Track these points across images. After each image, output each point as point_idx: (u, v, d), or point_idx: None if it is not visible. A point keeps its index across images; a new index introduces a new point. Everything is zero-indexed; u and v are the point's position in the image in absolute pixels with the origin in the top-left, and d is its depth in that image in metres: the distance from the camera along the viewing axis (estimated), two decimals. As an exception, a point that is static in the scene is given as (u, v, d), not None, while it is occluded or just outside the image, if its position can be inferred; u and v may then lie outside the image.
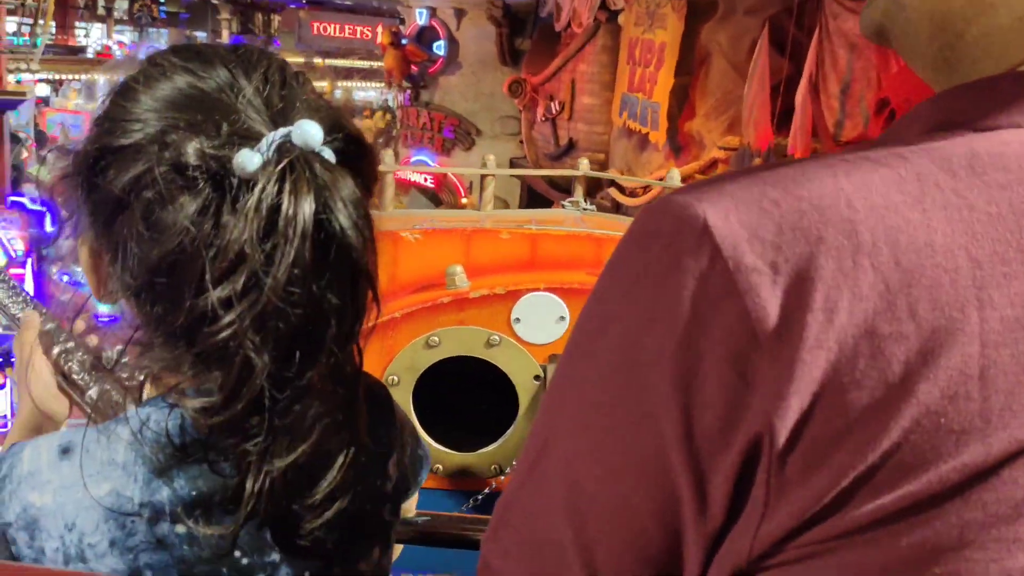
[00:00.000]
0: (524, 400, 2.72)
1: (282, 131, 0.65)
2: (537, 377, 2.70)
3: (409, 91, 11.38)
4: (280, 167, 0.63)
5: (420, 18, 10.77)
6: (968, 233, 0.46)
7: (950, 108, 0.52)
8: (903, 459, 0.44)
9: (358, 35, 17.14)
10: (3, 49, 9.00)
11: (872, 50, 5.20)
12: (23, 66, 10.35)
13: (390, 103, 15.00)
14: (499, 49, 10.00)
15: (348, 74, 18.64)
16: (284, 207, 0.63)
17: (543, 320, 2.66)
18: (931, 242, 0.45)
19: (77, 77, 16.84)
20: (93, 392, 0.91)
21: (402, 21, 11.62)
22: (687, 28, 6.65)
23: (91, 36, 22.91)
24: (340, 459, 0.71)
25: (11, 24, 11.37)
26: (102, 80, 0.78)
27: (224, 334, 0.64)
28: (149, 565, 0.70)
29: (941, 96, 0.53)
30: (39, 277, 6.31)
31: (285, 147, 0.65)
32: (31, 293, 1.00)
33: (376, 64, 13.86)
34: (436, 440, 2.83)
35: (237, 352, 0.64)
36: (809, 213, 0.46)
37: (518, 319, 2.69)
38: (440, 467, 2.82)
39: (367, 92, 20.04)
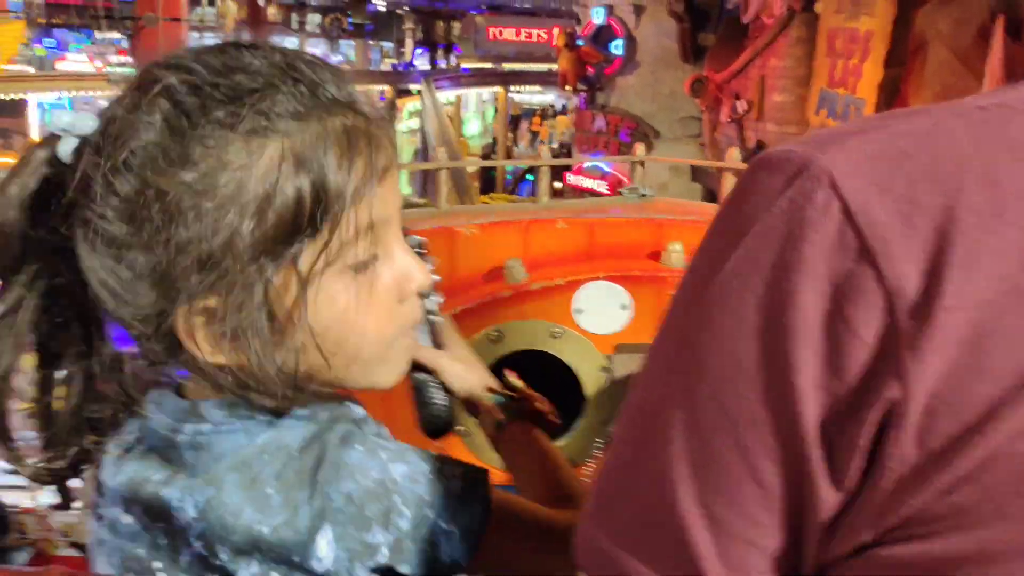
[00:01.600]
0: (591, 392, 2.59)
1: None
2: (604, 368, 2.56)
3: (584, 94, 11.06)
4: None
5: (596, 17, 10.40)
6: None
7: None
8: None
9: (534, 38, 16.98)
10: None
11: None
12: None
13: (565, 107, 14.78)
14: (680, 46, 9.46)
15: (525, 79, 18.62)
16: None
17: (605, 309, 2.56)
18: None
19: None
20: None
21: (578, 21, 11.28)
22: (899, 13, 5.87)
23: (285, 49, 24.13)
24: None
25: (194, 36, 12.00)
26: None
27: None
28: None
29: None
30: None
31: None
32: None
33: (553, 67, 13.64)
34: None
35: None
36: (944, 163, 0.45)
37: (580, 309, 2.57)
38: None
39: (546, 96, 20.03)
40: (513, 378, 1.09)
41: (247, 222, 0.63)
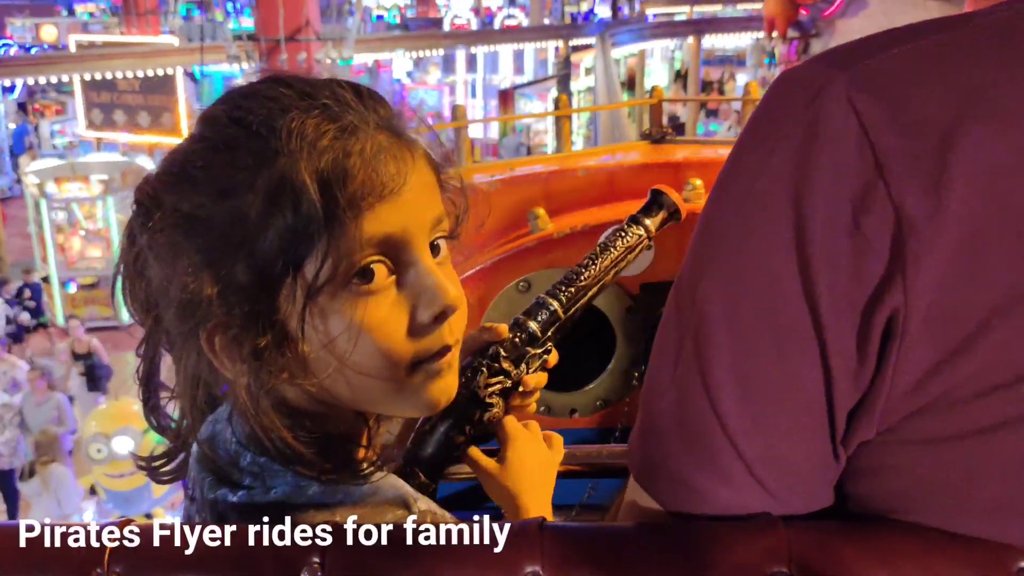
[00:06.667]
0: (620, 333, 2.67)
1: None
2: (629, 309, 2.64)
3: (796, 41, 9.29)
4: None
5: (814, -54, 8.61)
6: None
7: None
8: None
9: (735, -22, 15.06)
10: (312, 36, 8.59)
11: None
12: (333, 53, 9.91)
13: (773, 57, 12.99)
14: (927, -24, 7.49)
15: (720, 24, 16.77)
16: None
17: None
18: None
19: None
20: None
21: (789, -47, 9.45)
22: None
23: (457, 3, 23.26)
24: None
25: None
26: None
27: None
28: None
29: None
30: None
31: None
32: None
33: (754, 8, 11.82)
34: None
35: None
36: (957, 79, 0.49)
37: None
38: (544, 408, 2.76)
39: (743, 42, 18.07)
40: None
41: (250, 237, 0.67)
